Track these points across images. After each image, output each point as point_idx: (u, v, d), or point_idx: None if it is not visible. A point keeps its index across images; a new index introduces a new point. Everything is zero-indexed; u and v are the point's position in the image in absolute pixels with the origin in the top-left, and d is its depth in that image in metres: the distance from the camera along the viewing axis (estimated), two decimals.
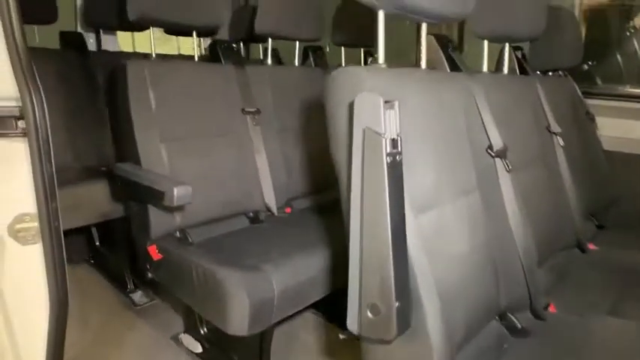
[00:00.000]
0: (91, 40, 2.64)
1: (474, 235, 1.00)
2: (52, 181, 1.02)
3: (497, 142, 1.11)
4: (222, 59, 1.77)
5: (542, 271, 1.26)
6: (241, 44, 3.01)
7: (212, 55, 1.80)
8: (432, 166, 0.91)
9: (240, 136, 1.71)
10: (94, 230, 2.24)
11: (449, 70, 1.14)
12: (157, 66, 1.53)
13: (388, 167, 0.70)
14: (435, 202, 0.91)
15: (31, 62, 0.97)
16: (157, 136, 1.49)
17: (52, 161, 1.04)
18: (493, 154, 1.09)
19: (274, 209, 1.74)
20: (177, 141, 1.54)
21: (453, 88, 1.04)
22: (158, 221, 1.44)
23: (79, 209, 1.82)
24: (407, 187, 0.83)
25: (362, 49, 2.44)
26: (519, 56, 1.50)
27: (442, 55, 1.13)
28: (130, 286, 1.99)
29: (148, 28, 1.55)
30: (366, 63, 2.55)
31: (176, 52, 3.24)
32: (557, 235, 1.41)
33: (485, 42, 1.27)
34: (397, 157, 0.72)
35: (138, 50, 2.85)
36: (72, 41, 2.31)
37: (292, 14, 1.88)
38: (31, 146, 0.99)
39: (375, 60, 0.90)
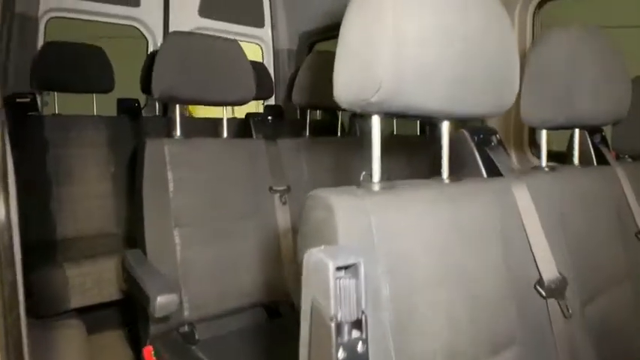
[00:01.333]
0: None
1: None
2: (15, 289, 0.93)
3: (551, 274, 0.83)
4: (253, 133, 1.67)
5: None
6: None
7: (245, 129, 1.70)
8: (444, 322, 0.67)
9: (266, 217, 1.56)
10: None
11: (485, 175, 0.88)
12: (179, 145, 1.46)
13: None
14: None
15: (7, 189, 0.92)
16: (171, 222, 1.38)
17: (17, 267, 0.96)
18: (544, 292, 0.81)
19: (296, 301, 1.54)
20: (194, 226, 1.43)
21: (484, 202, 0.79)
22: (159, 319, 1.31)
23: (106, 283, 1.78)
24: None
25: (418, 121, 2.22)
26: (597, 141, 1.19)
27: (477, 155, 0.88)
28: None
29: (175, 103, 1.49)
30: (422, 133, 2.32)
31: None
32: None
33: (544, 132, 1.00)
34: (359, 347, 0.50)
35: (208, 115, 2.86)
36: (127, 107, 2.39)
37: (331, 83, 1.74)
38: None
39: (369, 178, 0.69)
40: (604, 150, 1.19)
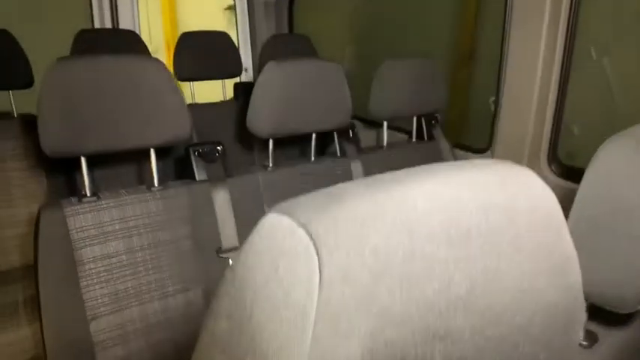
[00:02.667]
0: None
1: None
2: None
3: None
4: (195, 173, 1.27)
5: None
6: None
7: (185, 167, 1.30)
8: None
9: (213, 290, 1.23)
10: None
11: None
12: (89, 211, 1.08)
13: None
14: None
15: None
16: (84, 316, 1.06)
17: None
18: None
19: None
20: (118, 314, 1.10)
21: None
22: None
23: None
24: None
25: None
26: None
27: None
28: None
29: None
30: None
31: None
32: None
33: None
34: None
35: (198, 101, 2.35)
36: None
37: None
38: None
39: None
40: None
